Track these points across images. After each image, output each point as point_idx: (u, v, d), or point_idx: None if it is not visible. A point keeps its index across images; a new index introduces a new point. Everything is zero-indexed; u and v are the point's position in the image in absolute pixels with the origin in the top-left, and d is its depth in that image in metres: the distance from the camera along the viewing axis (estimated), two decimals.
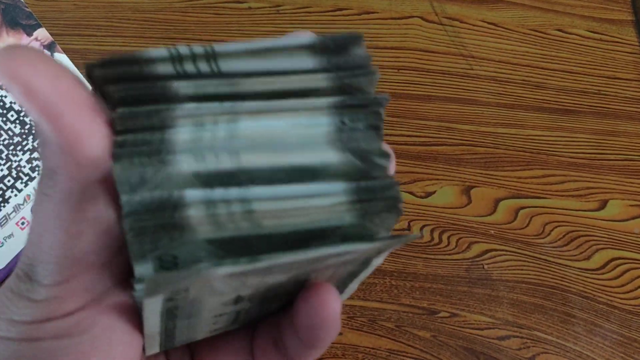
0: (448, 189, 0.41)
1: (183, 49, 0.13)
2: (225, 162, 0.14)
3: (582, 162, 0.42)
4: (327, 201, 0.14)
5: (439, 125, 0.44)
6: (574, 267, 0.38)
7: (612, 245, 0.39)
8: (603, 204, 0.41)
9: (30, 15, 0.37)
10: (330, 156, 0.14)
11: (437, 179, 0.42)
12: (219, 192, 0.14)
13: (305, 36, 0.14)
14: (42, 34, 0.38)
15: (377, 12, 0.50)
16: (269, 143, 0.14)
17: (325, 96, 0.14)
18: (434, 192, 0.41)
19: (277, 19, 0.51)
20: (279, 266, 0.13)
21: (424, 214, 0.40)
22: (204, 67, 0.14)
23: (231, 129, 0.14)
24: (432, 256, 0.39)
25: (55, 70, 0.13)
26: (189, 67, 0.13)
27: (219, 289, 0.15)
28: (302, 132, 0.14)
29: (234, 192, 0.14)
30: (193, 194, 0.14)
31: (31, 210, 0.16)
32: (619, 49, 0.48)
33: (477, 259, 0.39)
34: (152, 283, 0.13)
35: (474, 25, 0.49)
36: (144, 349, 0.19)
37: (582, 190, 0.41)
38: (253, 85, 0.14)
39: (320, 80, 0.14)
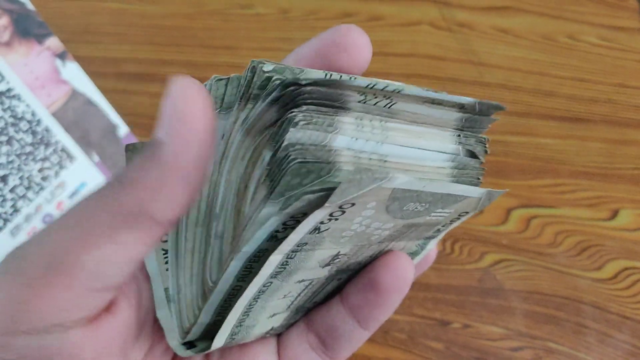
0: None
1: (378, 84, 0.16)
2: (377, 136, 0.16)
3: (593, 171, 0.42)
4: (436, 164, 0.17)
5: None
6: (586, 277, 0.38)
7: (624, 255, 0.39)
8: (614, 214, 0.41)
9: (42, 24, 0.37)
10: (450, 147, 0.18)
11: None
12: (361, 143, 0.16)
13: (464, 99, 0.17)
14: (53, 43, 0.38)
15: (386, 18, 0.50)
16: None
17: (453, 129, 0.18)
18: None
19: (284, 24, 0.50)
20: (422, 196, 0.16)
21: None
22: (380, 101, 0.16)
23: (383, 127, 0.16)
24: (445, 266, 0.39)
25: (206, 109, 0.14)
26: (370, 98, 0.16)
27: (360, 219, 0.16)
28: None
29: (375, 146, 0.16)
30: (342, 139, 0.15)
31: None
32: (628, 57, 0.48)
33: (490, 269, 0.39)
34: (349, 180, 0.14)
35: (484, 32, 0.49)
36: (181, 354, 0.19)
37: (594, 199, 0.41)
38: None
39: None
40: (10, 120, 0.36)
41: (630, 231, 0.40)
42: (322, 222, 0.15)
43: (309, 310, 0.21)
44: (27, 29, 0.37)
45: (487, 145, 0.18)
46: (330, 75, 0.15)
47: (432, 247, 0.20)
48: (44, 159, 0.37)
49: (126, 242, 0.15)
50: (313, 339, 0.20)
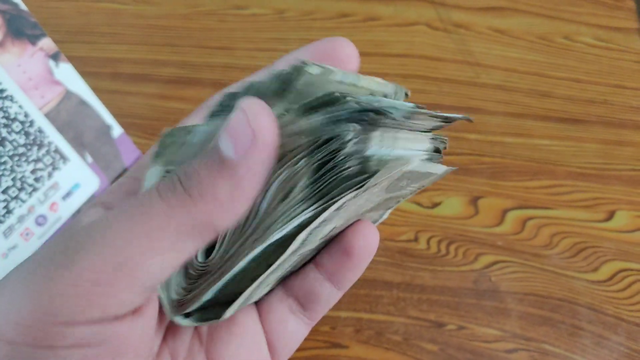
0: (455, 199, 0.41)
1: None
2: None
3: (590, 172, 0.42)
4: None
5: (445, 134, 0.44)
6: (581, 279, 0.38)
7: (620, 256, 0.39)
8: (610, 215, 0.41)
9: (35, 25, 0.37)
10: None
11: (444, 189, 0.42)
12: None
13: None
14: (46, 43, 0.38)
15: (382, 19, 0.50)
16: None
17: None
18: (441, 203, 0.41)
19: (281, 25, 0.50)
20: (408, 175, 0.19)
21: (431, 224, 0.40)
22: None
23: None
24: (440, 268, 0.39)
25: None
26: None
27: (366, 196, 0.19)
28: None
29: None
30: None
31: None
32: (625, 58, 0.47)
33: (485, 270, 0.39)
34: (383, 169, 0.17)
35: (480, 32, 0.49)
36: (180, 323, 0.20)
37: (590, 200, 0.41)
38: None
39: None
40: (3, 121, 0.35)
41: (626, 232, 0.40)
42: (346, 201, 0.17)
43: (284, 278, 0.22)
44: (20, 29, 0.37)
45: (446, 144, 0.22)
46: (418, 107, 0.18)
47: (386, 216, 0.24)
48: (37, 160, 0.37)
49: (188, 251, 0.16)
50: (292, 302, 0.22)
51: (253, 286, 0.19)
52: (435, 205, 0.41)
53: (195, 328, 0.21)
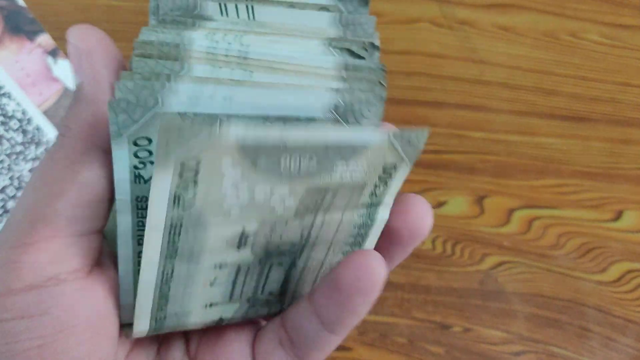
0: (460, 198, 0.41)
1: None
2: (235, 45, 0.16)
3: (596, 171, 0.42)
4: (316, 63, 0.15)
5: (449, 132, 0.43)
6: (589, 280, 0.38)
7: (628, 257, 0.39)
8: (618, 215, 0.40)
9: (33, 21, 0.36)
10: (330, 31, 0.16)
11: (449, 188, 0.41)
12: (223, 44, 0.15)
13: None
14: (44, 40, 0.37)
15: (385, 15, 0.49)
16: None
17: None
18: (446, 202, 0.40)
19: None
20: (294, 148, 0.13)
21: (436, 224, 0.40)
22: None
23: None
24: (445, 268, 0.38)
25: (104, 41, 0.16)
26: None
27: (229, 182, 0.14)
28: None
29: (235, 45, 0.15)
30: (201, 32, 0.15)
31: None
32: (632, 55, 0.47)
33: (491, 271, 0.38)
34: (167, 127, 0.12)
35: (484, 29, 0.48)
36: (126, 335, 0.18)
37: (597, 200, 0.41)
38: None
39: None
40: (0, 119, 0.35)
41: (634, 232, 0.39)
42: (177, 193, 0.14)
43: (282, 304, 0.20)
44: (18, 25, 0.36)
45: (377, 44, 0.16)
46: None
47: (385, 215, 0.18)
48: (35, 159, 0.36)
49: (88, 180, 0.16)
50: (284, 335, 0.19)
51: (145, 296, 0.16)
52: (441, 204, 0.40)
53: (186, 347, 0.20)
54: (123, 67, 0.16)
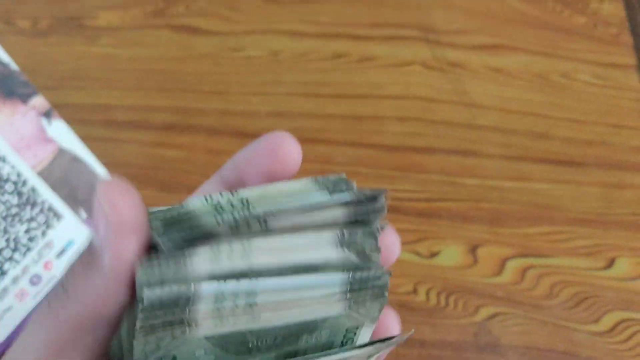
0: (454, 248, 0.41)
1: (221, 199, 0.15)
2: (239, 264, 0.15)
3: (590, 217, 0.42)
4: (322, 292, 0.16)
5: (442, 179, 0.44)
6: (583, 331, 0.38)
7: (621, 306, 0.39)
8: (611, 262, 0.40)
9: (26, 84, 0.36)
10: (332, 254, 0.16)
11: (442, 237, 0.41)
12: (231, 285, 0.15)
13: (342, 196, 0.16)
14: (38, 102, 0.37)
15: (377, 59, 0.50)
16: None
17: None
18: (440, 252, 0.41)
19: (276, 66, 0.50)
20: (258, 333, 0.15)
21: (429, 275, 0.40)
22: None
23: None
24: (439, 321, 0.38)
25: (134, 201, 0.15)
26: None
27: None
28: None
29: (244, 284, 0.15)
30: (208, 286, 0.15)
31: (30, 321, 0.16)
32: (623, 96, 0.47)
33: (485, 322, 0.38)
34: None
35: (476, 71, 0.48)
36: None
37: (590, 247, 0.41)
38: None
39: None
40: None
41: (627, 280, 0.39)
42: None
43: None
44: (11, 89, 0.36)
45: (378, 236, 0.16)
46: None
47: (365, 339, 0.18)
48: (31, 220, 0.37)
49: (87, 344, 0.15)
50: None
51: None
52: (434, 254, 0.41)
53: None
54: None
